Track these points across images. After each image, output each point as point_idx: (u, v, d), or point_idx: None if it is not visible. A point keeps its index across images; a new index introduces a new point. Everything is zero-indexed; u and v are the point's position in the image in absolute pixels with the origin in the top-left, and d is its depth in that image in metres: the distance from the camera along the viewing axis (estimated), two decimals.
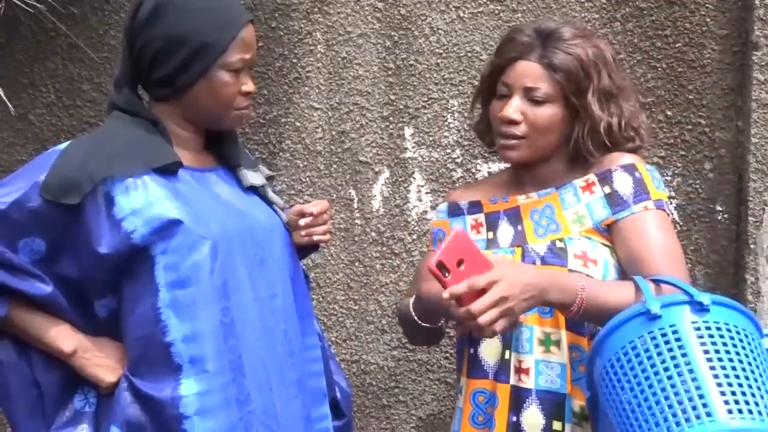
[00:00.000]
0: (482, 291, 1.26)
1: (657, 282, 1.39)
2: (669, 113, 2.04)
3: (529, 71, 1.48)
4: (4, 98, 2.08)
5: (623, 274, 1.49)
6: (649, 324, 1.30)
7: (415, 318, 1.51)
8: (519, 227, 1.54)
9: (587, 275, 1.44)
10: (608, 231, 1.49)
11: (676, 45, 2.03)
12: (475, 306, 1.26)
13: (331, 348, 2.07)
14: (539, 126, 1.49)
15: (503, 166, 1.72)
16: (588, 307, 1.36)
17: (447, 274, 1.26)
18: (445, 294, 1.26)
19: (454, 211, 1.62)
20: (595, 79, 1.48)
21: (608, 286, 1.41)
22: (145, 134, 1.42)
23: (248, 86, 1.45)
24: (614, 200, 1.49)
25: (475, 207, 1.60)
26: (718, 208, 2.04)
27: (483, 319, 1.26)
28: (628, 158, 1.52)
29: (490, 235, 1.56)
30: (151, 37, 1.40)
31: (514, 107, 1.49)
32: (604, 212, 1.49)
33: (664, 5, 2.03)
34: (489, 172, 2.07)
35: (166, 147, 1.42)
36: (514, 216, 1.55)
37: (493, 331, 1.28)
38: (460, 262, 1.26)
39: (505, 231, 1.55)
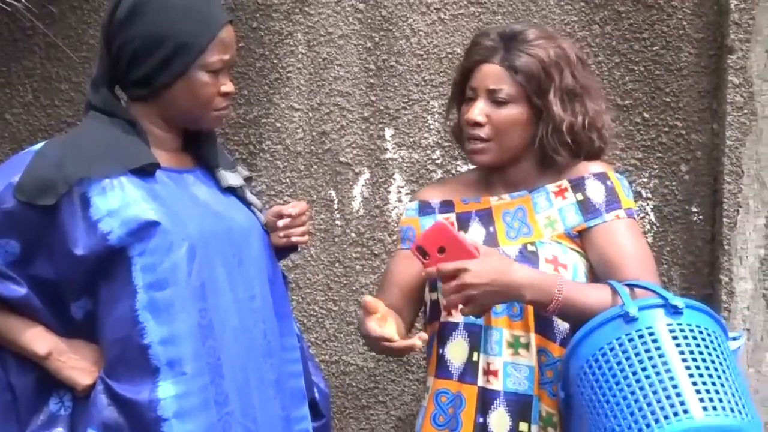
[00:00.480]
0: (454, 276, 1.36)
1: (631, 286, 1.43)
2: (646, 116, 2.06)
3: (491, 73, 1.50)
4: None
5: (592, 278, 1.52)
6: (626, 326, 1.36)
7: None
8: (491, 228, 1.55)
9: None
10: (579, 237, 1.52)
11: (654, 48, 2.05)
12: (444, 287, 1.38)
13: (311, 349, 2.07)
14: (503, 126, 1.50)
15: None
16: (565, 308, 1.41)
17: (426, 257, 1.37)
18: (423, 273, 1.40)
19: (425, 209, 1.62)
20: (557, 79, 1.49)
21: (586, 289, 1.45)
22: (122, 135, 1.41)
23: (227, 87, 1.44)
24: (586, 207, 1.51)
25: (446, 206, 1.61)
26: (694, 209, 2.06)
27: (446, 300, 1.40)
28: (598, 166, 1.55)
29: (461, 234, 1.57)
30: (129, 37, 1.39)
31: (479, 109, 1.51)
32: (576, 218, 1.52)
33: (641, 9, 2.05)
34: None
35: (143, 148, 1.41)
36: (486, 217, 1.56)
37: (463, 311, 1.40)
38: (442, 250, 1.35)
39: (477, 232, 1.55)
